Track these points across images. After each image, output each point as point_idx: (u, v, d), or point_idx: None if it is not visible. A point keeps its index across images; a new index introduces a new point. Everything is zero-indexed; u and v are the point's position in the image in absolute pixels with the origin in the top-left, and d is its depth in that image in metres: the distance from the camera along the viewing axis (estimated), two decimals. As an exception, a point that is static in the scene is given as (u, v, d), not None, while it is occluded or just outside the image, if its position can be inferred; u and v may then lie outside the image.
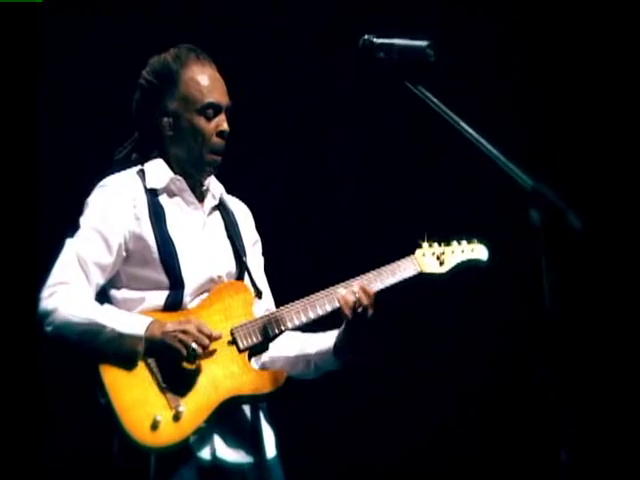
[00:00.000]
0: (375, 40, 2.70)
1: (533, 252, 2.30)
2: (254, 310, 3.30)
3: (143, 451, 3.02)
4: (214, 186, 3.39)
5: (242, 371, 3.18)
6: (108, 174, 3.30)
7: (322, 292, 3.30)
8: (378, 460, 5.04)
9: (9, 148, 4.32)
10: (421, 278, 3.43)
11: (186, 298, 3.21)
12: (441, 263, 3.47)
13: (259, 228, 3.52)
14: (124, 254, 3.20)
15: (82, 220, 3.22)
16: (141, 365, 3.07)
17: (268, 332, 3.23)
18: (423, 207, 4.83)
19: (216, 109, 3.29)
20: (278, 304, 3.39)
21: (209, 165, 3.31)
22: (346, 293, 3.25)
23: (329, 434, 5.00)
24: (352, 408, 5.04)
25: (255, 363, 3.33)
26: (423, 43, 2.63)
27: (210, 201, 3.37)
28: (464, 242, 3.54)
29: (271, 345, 3.28)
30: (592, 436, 4.65)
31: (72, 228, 3.21)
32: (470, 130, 2.48)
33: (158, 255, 3.20)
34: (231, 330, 3.20)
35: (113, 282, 3.21)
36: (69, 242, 3.19)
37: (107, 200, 3.22)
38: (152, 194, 3.27)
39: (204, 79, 3.29)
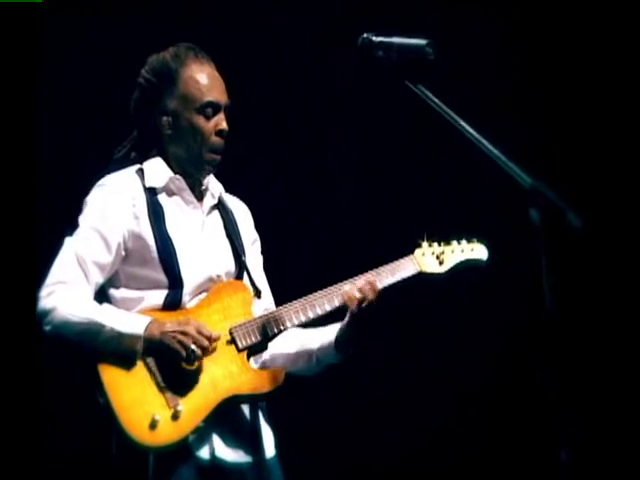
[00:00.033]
0: (374, 39, 2.70)
1: (533, 252, 2.30)
2: (253, 309, 3.30)
3: (142, 450, 3.02)
4: (213, 185, 3.39)
5: (241, 370, 3.18)
6: (107, 173, 3.30)
7: (321, 292, 3.30)
8: (378, 460, 5.04)
9: (9, 148, 4.31)
10: (421, 278, 3.43)
11: (185, 297, 3.21)
12: (441, 263, 3.47)
13: (259, 228, 3.52)
14: (123, 253, 3.20)
15: (81, 219, 3.21)
16: (140, 364, 3.07)
17: (267, 332, 3.23)
18: (423, 207, 4.83)
19: (215, 108, 3.29)
20: (278, 304, 3.39)
21: (208, 164, 3.30)
22: (352, 288, 3.26)
23: (328, 433, 5.00)
24: (352, 408, 5.04)
25: (254, 362, 3.33)
26: (422, 41, 2.62)
27: (209, 200, 3.37)
28: (464, 242, 3.54)
29: (271, 342, 3.28)
30: (592, 436, 4.65)
31: (71, 227, 3.21)
32: (470, 129, 2.48)
33: (157, 254, 3.20)
34: (230, 330, 3.20)
35: (112, 281, 3.21)
36: (68, 241, 3.19)
37: (106, 199, 3.22)
38: (151, 193, 3.26)
39: (203, 78, 3.29)
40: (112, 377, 3.05)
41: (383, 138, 5.06)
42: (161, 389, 3.07)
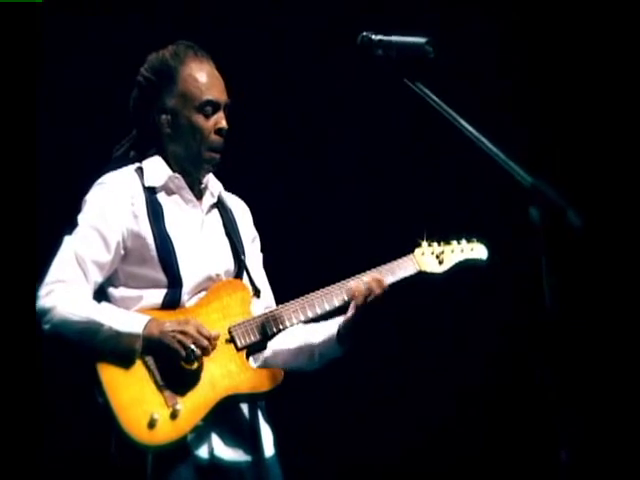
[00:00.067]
0: (373, 37, 2.69)
1: (533, 252, 2.30)
2: (252, 308, 3.30)
3: (140, 449, 3.02)
4: (212, 184, 3.38)
5: (240, 370, 3.17)
6: (106, 171, 3.29)
7: (320, 291, 3.30)
8: (378, 460, 5.04)
9: (9, 148, 4.31)
10: (420, 277, 3.43)
11: (184, 296, 3.20)
12: (440, 262, 3.47)
13: (259, 228, 3.52)
14: (122, 252, 3.19)
15: (80, 218, 3.21)
16: (139, 363, 3.07)
17: (266, 331, 3.23)
18: (423, 207, 4.83)
19: (215, 106, 3.28)
20: (277, 303, 3.39)
21: (207, 163, 3.30)
22: (358, 282, 3.27)
23: (328, 433, 5.00)
24: (351, 407, 5.04)
25: (255, 359, 3.33)
26: (422, 40, 2.62)
27: (208, 199, 3.36)
28: (464, 241, 3.54)
29: (271, 341, 3.28)
30: (592, 436, 4.65)
31: (71, 226, 3.21)
32: (469, 128, 2.48)
33: (156, 253, 3.19)
34: (229, 329, 3.20)
35: (111, 280, 3.21)
36: (67, 240, 3.19)
37: (105, 198, 3.22)
38: (150, 192, 3.26)
39: (202, 76, 3.28)
40: (111, 376, 3.04)
41: (383, 138, 5.06)
42: (160, 388, 3.06)
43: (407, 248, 3.46)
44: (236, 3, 4.90)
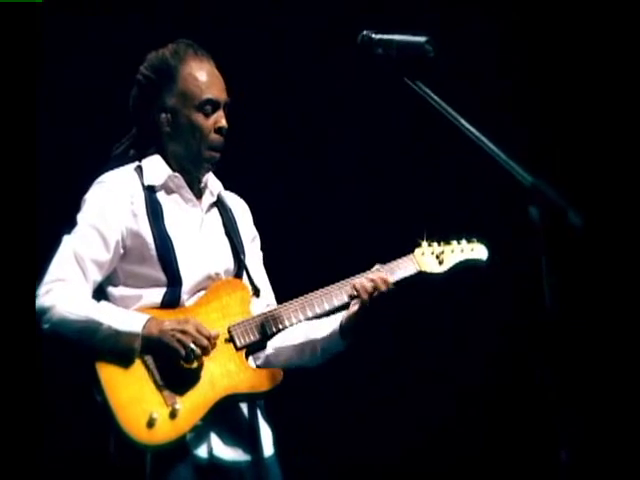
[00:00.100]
0: (374, 36, 2.69)
1: (533, 252, 2.30)
2: (252, 308, 3.29)
3: (139, 449, 3.02)
4: (212, 183, 3.38)
5: (239, 369, 3.17)
6: (105, 170, 3.29)
7: (320, 291, 3.30)
8: (377, 460, 5.04)
9: (9, 148, 4.31)
10: (420, 277, 3.43)
11: (183, 296, 3.20)
12: (440, 262, 3.46)
13: (259, 228, 3.52)
14: (121, 251, 3.19)
15: (79, 217, 3.21)
16: (138, 363, 3.07)
17: (265, 330, 3.23)
18: (423, 207, 4.83)
19: (214, 105, 3.28)
20: (278, 303, 3.39)
21: (207, 162, 3.30)
22: (363, 279, 3.27)
23: (327, 433, 5.00)
24: (351, 407, 5.04)
25: (255, 360, 3.33)
26: (422, 39, 2.62)
27: (208, 198, 3.36)
28: (464, 241, 3.53)
29: (272, 339, 3.27)
30: (592, 436, 4.65)
31: (70, 225, 3.21)
32: (469, 127, 2.48)
33: (155, 252, 3.19)
34: (228, 328, 3.19)
35: (110, 279, 3.21)
36: (66, 239, 3.19)
37: (104, 197, 3.22)
38: (150, 191, 3.26)
39: (202, 75, 3.28)
40: (110, 375, 3.04)
41: (383, 138, 5.06)
42: (159, 387, 3.06)
43: (407, 248, 3.46)
44: (236, 3, 4.91)
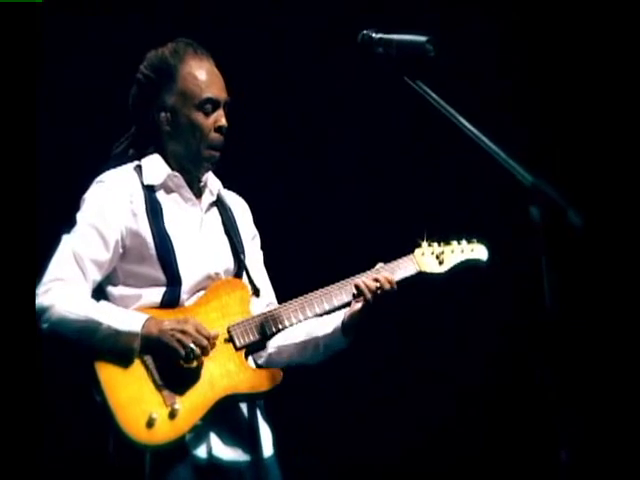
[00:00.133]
0: (374, 35, 2.69)
1: (533, 252, 2.30)
2: (251, 308, 3.29)
3: (138, 449, 3.02)
4: (212, 182, 3.38)
5: (239, 369, 3.17)
6: (105, 169, 3.29)
7: (320, 291, 3.30)
8: (377, 460, 5.04)
9: (9, 148, 4.30)
10: (420, 278, 3.43)
11: (183, 295, 3.20)
12: (440, 263, 3.46)
13: (259, 227, 3.52)
14: (121, 250, 3.19)
15: (79, 216, 3.21)
16: (137, 362, 3.06)
17: (265, 330, 3.23)
18: (423, 207, 4.83)
19: (214, 104, 3.28)
20: (278, 303, 3.39)
21: (207, 161, 3.29)
22: (368, 278, 3.26)
23: (327, 433, 5.00)
24: (351, 407, 5.04)
25: (257, 359, 3.33)
26: (422, 38, 2.61)
27: (208, 197, 3.36)
28: (464, 242, 3.53)
29: (276, 335, 3.27)
30: (592, 436, 4.65)
31: (69, 225, 3.21)
32: (470, 126, 2.48)
33: (155, 252, 3.19)
34: (228, 328, 3.19)
35: (110, 279, 3.20)
36: (65, 238, 3.18)
37: (104, 196, 3.22)
38: (149, 190, 3.25)
39: (202, 74, 3.28)
40: (109, 375, 3.04)
41: (383, 138, 5.06)
42: (158, 387, 3.06)
43: (407, 248, 3.45)
44: (236, 3, 4.90)
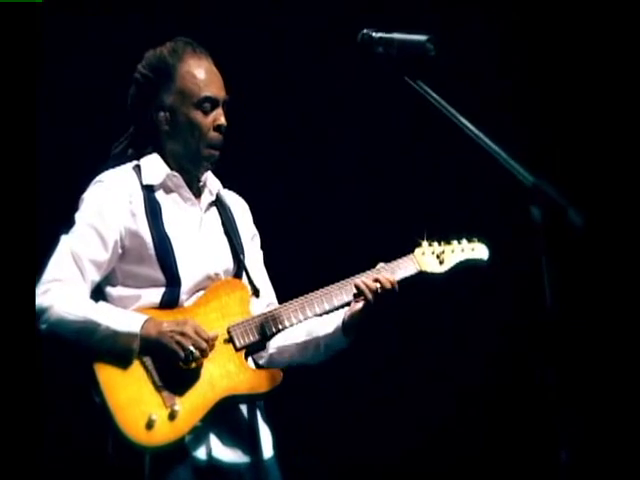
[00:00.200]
0: (374, 34, 2.68)
1: (533, 252, 2.30)
2: (251, 308, 3.29)
3: (138, 450, 3.01)
4: (211, 182, 3.37)
5: (239, 370, 3.16)
6: (103, 169, 3.28)
7: (320, 291, 3.29)
8: (377, 460, 5.04)
9: (9, 148, 4.30)
10: (420, 277, 3.43)
11: (182, 296, 3.19)
12: (441, 262, 3.46)
13: (259, 227, 3.52)
14: (120, 251, 3.18)
15: (77, 216, 3.20)
16: (136, 363, 3.06)
17: (265, 331, 3.22)
18: (423, 207, 4.83)
19: (213, 103, 3.27)
20: (278, 303, 3.39)
21: (206, 160, 3.29)
22: (367, 278, 3.26)
23: (327, 434, 5.00)
24: (351, 407, 5.04)
25: (258, 359, 3.32)
26: (422, 37, 2.61)
27: (207, 197, 3.35)
28: (464, 241, 3.52)
29: (277, 335, 3.27)
30: (592, 436, 4.65)
31: (68, 225, 3.20)
32: (470, 126, 2.48)
33: (154, 252, 3.18)
34: (228, 328, 3.19)
35: (108, 279, 3.20)
36: (64, 238, 3.18)
37: (103, 196, 3.21)
38: (148, 190, 3.25)
39: (201, 73, 3.27)
40: (108, 376, 3.03)
41: (383, 138, 5.06)
42: (158, 388, 3.05)
43: (407, 248, 3.45)
44: (236, 3, 4.90)
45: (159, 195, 3.26)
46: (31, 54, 4.20)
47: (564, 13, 4.90)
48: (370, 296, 3.24)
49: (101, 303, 3.14)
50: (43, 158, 4.32)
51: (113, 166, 3.29)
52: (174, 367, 3.07)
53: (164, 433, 3.02)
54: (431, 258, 3.45)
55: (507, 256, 3.89)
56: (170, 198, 3.28)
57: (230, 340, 3.18)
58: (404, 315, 4.82)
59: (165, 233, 3.21)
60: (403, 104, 4.19)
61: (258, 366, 3.31)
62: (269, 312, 3.26)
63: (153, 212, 3.22)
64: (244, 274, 3.33)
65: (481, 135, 2.45)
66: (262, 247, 3.50)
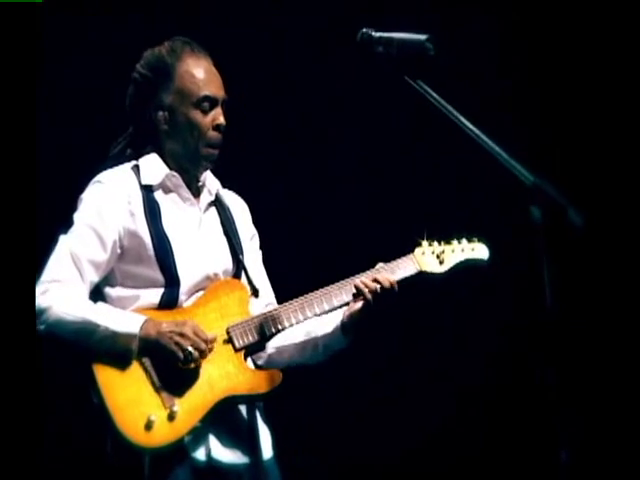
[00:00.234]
0: (374, 34, 2.68)
1: (533, 252, 2.30)
2: (250, 308, 3.28)
3: (137, 451, 3.00)
4: (210, 182, 3.36)
5: (238, 371, 3.16)
6: (102, 170, 3.28)
7: (320, 291, 3.29)
8: (377, 460, 5.04)
9: (9, 148, 4.30)
10: (420, 277, 3.43)
11: (181, 296, 3.19)
12: (441, 262, 3.45)
13: (259, 227, 3.52)
14: (119, 251, 3.18)
15: (76, 216, 3.20)
16: (135, 364, 3.05)
17: (264, 331, 3.22)
18: (423, 207, 4.83)
19: (212, 102, 3.26)
20: (277, 303, 3.39)
21: (205, 159, 3.28)
22: (367, 278, 3.26)
23: (327, 434, 5.00)
24: (351, 408, 5.03)
25: (257, 360, 3.32)
26: (422, 37, 2.61)
27: (206, 197, 3.34)
28: (464, 241, 3.52)
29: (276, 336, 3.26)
30: (592, 436, 4.65)
31: (67, 225, 3.20)
32: (470, 126, 2.48)
33: (153, 252, 3.17)
34: (227, 329, 3.18)
35: (107, 279, 3.19)
36: (63, 238, 3.17)
37: (101, 196, 3.20)
38: (147, 190, 3.24)
39: (199, 72, 3.27)
40: (107, 377, 3.02)
41: (383, 138, 5.06)
42: (157, 389, 3.04)
43: (407, 248, 3.45)
44: (236, 3, 4.90)
45: (158, 195, 3.26)
46: (31, 54, 4.20)
47: (564, 13, 4.90)
48: (369, 296, 3.24)
49: (100, 304, 3.13)
50: (43, 158, 4.33)
51: (112, 166, 3.29)
52: (173, 368, 3.07)
53: (163, 434, 3.02)
54: (431, 258, 3.45)
55: (507, 256, 3.89)
56: (169, 198, 3.27)
57: (229, 340, 3.18)
58: (404, 315, 4.82)
59: (164, 233, 3.20)
60: (403, 104, 4.18)
61: (257, 366, 3.31)
62: (268, 312, 3.25)
63: (152, 212, 3.21)
64: (243, 274, 3.32)
65: (481, 135, 2.46)
66: (262, 247, 3.50)
